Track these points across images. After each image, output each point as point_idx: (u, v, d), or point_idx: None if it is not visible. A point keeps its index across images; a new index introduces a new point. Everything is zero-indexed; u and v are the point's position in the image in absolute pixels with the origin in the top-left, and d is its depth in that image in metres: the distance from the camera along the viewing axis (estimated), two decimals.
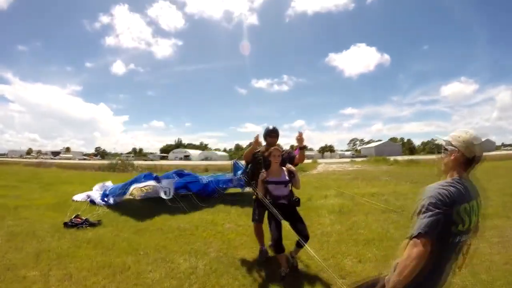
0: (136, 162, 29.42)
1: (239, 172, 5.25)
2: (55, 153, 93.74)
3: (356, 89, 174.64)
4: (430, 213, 1.48)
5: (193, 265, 3.87)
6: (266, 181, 3.74)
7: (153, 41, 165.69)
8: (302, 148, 4.10)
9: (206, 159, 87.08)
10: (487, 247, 4.37)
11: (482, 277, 3.43)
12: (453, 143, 1.69)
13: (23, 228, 5.53)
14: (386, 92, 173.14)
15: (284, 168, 3.87)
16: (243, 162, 4.99)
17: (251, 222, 4.41)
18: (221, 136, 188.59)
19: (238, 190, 9.30)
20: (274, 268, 3.77)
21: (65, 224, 5.60)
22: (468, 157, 1.64)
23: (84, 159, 76.11)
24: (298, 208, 3.82)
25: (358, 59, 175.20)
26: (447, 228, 1.51)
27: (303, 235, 3.53)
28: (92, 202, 7.77)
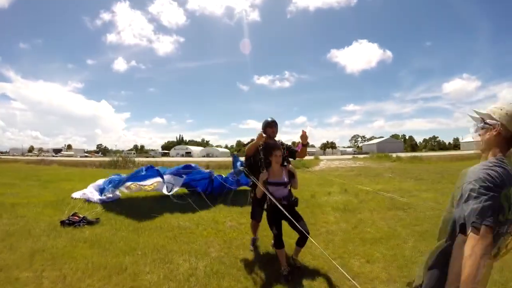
0: (137, 159, 29.36)
1: (238, 163, 5.10)
2: (57, 151, 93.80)
3: (358, 85, 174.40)
4: (485, 197, 1.22)
5: (193, 266, 3.69)
6: (267, 181, 3.74)
7: (154, 38, 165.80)
8: (305, 145, 4.09)
9: (207, 155, 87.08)
10: None
11: (495, 278, 3.25)
12: (494, 116, 1.43)
13: (19, 226, 5.36)
14: (388, 89, 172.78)
15: (284, 168, 3.88)
16: (242, 159, 5.02)
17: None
18: (222, 132, 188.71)
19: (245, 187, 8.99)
20: (278, 269, 3.59)
21: (62, 223, 5.42)
22: None
23: (86, 156, 76.16)
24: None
25: (360, 55, 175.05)
26: (496, 215, 1.24)
27: (305, 231, 3.46)
28: (88, 200, 7.56)
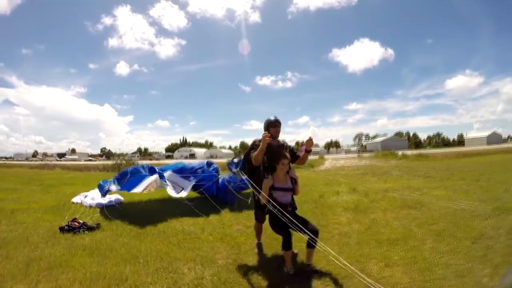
0: (141, 162, 29.18)
1: (234, 167, 4.77)
2: (61, 155, 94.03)
3: (360, 84, 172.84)
4: None
5: (198, 276, 3.41)
6: (273, 187, 3.65)
7: (156, 41, 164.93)
8: (309, 151, 3.92)
9: (211, 157, 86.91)
10: None
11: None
12: None
13: (17, 233, 5.12)
14: (391, 87, 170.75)
15: (287, 174, 3.80)
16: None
17: None
18: (226, 134, 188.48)
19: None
20: (291, 277, 3.34)
21: (61, 229, 5.18)
22: None
23: (90, 160, 76.23)
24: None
25: (362, 54, 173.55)
26: None
27: (312, 230, 3.44)
28: (89, 205, 7.25)
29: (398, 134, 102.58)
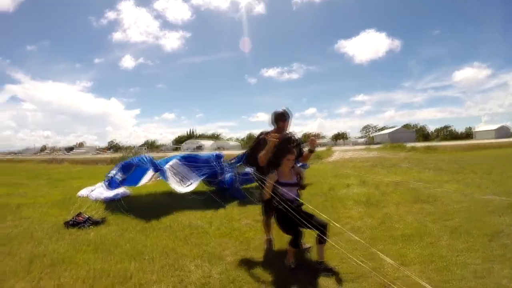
0: (148, 155, 29.21)
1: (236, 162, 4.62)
2: (69, 149, 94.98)
3: (367, 75, 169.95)
4: None
5: (206, 274, 3.26)
6: (278, 182, 3.49)
7: (161, 34, 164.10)
8: (312, 151, 3.82)
9: (218, 149, 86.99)
10: None
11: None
12: None
13: (22, 229, 5.04)
14: (398, 78, 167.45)
15: (293, 169, 3.67)
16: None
17: None
18: (233, 125, 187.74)
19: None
20: (304, 276, 3.18)
21: (66, 224, 5.09)
22: None
23: (98, 153, 76.84)
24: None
25: (368, 45, 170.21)
26: None
27: (320, 223, 3.33)
28: (95, 199, 7.16)
29: (406, 126, 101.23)
